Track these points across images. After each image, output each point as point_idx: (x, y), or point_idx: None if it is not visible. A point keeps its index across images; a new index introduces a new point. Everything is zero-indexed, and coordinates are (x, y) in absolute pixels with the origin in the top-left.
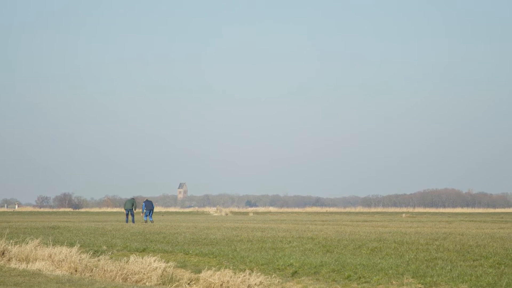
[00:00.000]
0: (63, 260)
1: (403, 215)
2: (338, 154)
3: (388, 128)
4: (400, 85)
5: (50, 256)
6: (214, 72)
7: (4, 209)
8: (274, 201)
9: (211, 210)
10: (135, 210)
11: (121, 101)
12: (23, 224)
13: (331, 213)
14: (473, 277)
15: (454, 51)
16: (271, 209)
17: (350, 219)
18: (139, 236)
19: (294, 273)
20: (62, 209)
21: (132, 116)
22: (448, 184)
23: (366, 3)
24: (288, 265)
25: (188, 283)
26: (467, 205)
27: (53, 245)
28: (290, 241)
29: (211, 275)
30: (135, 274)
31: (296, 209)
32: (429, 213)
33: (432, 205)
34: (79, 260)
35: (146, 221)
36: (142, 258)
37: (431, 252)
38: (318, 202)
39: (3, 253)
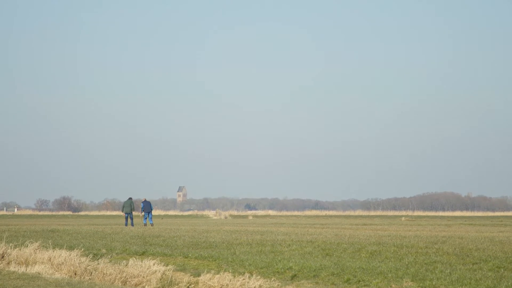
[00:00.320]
0: (63, 263)
1: (403, 218)
2: (337, 158)
3: (387, 131)
4: (399, 89)
5: (50, 259)
6: (214, 75)
7: (4, 212)
8: (274, 204)
9: (211, 213)
10: (133, 211)
11: (120, 104)
12: (22, 227)
13: (331, 216)
14: (473, 280)
15: (451, 56)
16: (271, 212)
17: (350, 223)
18: (139, 239)
19: (294, 277)
20: (61, 212)
21: (131, 119)
22: (448, 188)
23: (368, 5)
24: (288, 269)
25: (188, 287)
26: (467, 209)
27: (52, 248)
28: (289, 245)
29: (210, 279)
30: (134, 277)
31: (296, 213)
32: (428, 216)
33: (432, 208)
34: (78, 264)
35: (145, 224)
36: (142, 261)
37: (430, 255)
38: (317, 205)
39: (2, 256)
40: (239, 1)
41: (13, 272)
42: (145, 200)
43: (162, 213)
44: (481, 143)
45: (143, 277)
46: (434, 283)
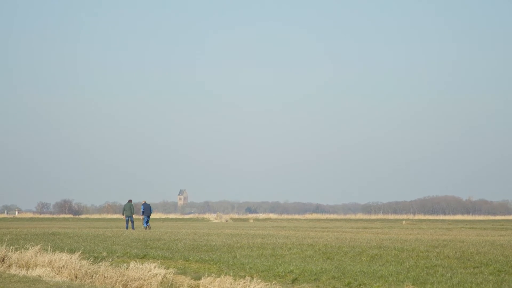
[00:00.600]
0: (63, 266)
1: (403, 222)
2: (338, 161)
3: (388, 135)
4: (400, 93)
5: (50, 263)
6: (215, 78)
7: (4, 215)
8: (274, 207)
9: (211, 216)
10: (134, 214)
11: (122, 107)
12: (23, 231)
13: (331, 220)
14: (474, 284)
15: (453, 60)
16: (271, 215)
17: (350, 226)
18: (139, 242)
19: (294, 280)
20: (62, 216)
21: (132, 122)
22: (449, 191)
23: (370, 6)
24: (288, 272)
25: None
26: (467, 212)
27: (53, 251)
28: (290, 248)
29: (211, 282)
30: (135, 280)
31: (296, 216)
32: (429, 220)
33: (433, 212)
34: (79, 267)
35: (146, 228)
36: (142, 265)
37: (431, 259)
38: (318, 209)
39: (3, 259)
40: (239, 1)
41: (14, 275)
42: (145, 203)
43: (163, 216)
44: (482, 147)
45: (144, 280)
46: (435, 286)
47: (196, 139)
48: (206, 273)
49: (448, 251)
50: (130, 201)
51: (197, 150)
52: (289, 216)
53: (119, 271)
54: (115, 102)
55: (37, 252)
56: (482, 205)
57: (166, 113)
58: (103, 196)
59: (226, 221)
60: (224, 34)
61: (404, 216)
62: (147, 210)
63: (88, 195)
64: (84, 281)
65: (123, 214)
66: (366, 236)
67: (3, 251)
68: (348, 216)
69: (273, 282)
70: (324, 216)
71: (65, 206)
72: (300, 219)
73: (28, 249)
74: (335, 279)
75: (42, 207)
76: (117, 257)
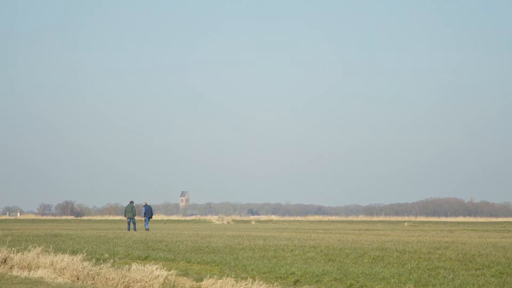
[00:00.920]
0: (65, 268)
1: (405, 224)
2: (340, 163)
3: (390, 137)
4: (402, 95)
5: (52, 264)
6: (217, 80)
7: (6, 216)
8: (276, 209)
9: (213, 218)
10: (135, 216)
11: (124, 109)
12: (25, 232)
13: (333, 221)
14: (475, 286)
15: (456, 63)
16: (273, 217)
17: (352, 228)
18: (141, 244)
19: (296, 282)
20: (64, 217)
21: (135, 124)
22: (450, 193)
23: (372, 8)
24: (290, 274)
25: None
26: (469, 214)
27: (55, 253)
28: (292, 250)
29: (213, 284)
30: (137, 282)
31: (298, 218)
32: (431, 222)
33: (434, 214)
34: (81, 268)
35: (148, 229)
36: (144, 266)
37: (433, 261)
38: (320, 210)
39: (5, 261)
40: (238, 1)
41: (16, 276)
42: (146, 204)
43: (165, 217)
44: (484, 149)
45: (146, 282)
46: None
47: (198, 141)
48: (208, 275)
49: (450, 253)
50: (131, 202)
51: (199, 151)
52: (291, 218)
53: (121, 273)
54: (116, 104)
55: (39, 254)
56: (484, 207)
57: (168, 114)
58: (105, 197)
59: (228, 222)
60: (227, 34)
61: (406, 218)
62: (148, 211)
63: (90, 196)
64: (86, 282)
65: (125, 216)
66: (368, 238)
67: (5, 253)
68: (350, 218)
69: (275, 284)
70: (326, 218)
71: (67, 208)
72: (302, 220)
73: (30, 251)
74: (337, 280)
75: (44, 209)
76: (119, 258)
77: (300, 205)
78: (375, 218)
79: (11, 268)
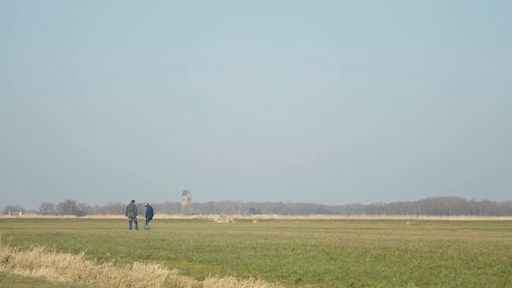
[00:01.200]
0: (67, 267)
1: (407, 223)
2: (342, 162)
3: (392, 136)
4: (403, 95)
5: (54, 263)
6: (217, 80)
7: (8, 215)
8: (278, 208)
9: (215, 217)
10: (137, 215)
11: (125, 109)
12: (27, 231)
13: (335, 220)
14: (477, 285)
15: (457, 62)
16: (275, 216)
17: (354, 227)
18: (143, 243)
19: (298, 281)
20: (66, 216)
21: (135, 124)
22: (452, 192)
23: (372, 8)
24: (292, 273)
25: None
26: (471, 213)
27: (57, 252)
28: (293, 249)
29: (214, 282)
30: (138, 281)
31: (300, 217)
32: (433, 221)
33: (436, 213)
34: (83, 267)
35: (149, 228)
36: (146, 265)
37: (435, 260)
38: (321, 209)
39: (7, 260)
40: (238, 1)
41: (18, 275)
42: (148, 205)
43: (167, 217)
44: (485, 148)
45: (148, 280)
46: (438, 287)
47: (200, 140)
48: (210, 274)
49: (451, 251)
50: (133, 201)
51: (200, 150)
52: (293, 217)
53: (123, 272)
54: (117, 104)
55: (41, 253)
56: (486, 206)
57: (169, 114)
58: (106, 196)
59: (230, 221)
60: (227, 34)
61: (408, 217)
62: (149, 212)
63: (92, 195)
64: (88, 281)
65: (126, 215)
66: (370, 237)
67: (7, 252)
68: (351, 217)
69: (277, 283)
70: (328, 216)
71: (68, 207)
72: (304, 219)
73: (32, 250)
74: (339, 279)
75: (46, 208)
76: (121, 257)
77: (302, 204)
78: (376, 217)
79: (13, 267)
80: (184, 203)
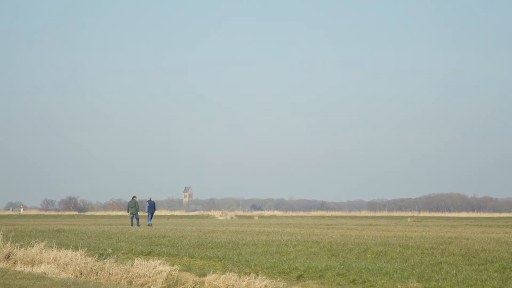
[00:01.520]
0: (68, 263)
1: (409, 219)
2: (343, 158)
3: (393, 132)
4: (405, 92)
5: (55, 259)
6: (219, 76)
7: (10, 212)
8: (279, 205)
9: (216, 213)
10: (138, 211)
11: (127, 107)
12: (28, 227)
13: (336, 217)
14: (479, 281)
15: (458, 59)
16: (276, 213)
17: (355, 223)
18: (144, 239)
19: (299, 277)
20: (67, 213)
21: (136, 122)
22: (454, 189)
23: (372, 8)
24: (293, 269)
25: (193, 287)
26: (473, 210)
27: (58, 248)
28: (295, 245)
29: (216, 279)
30: (140, 277)
31: (301, 213)
32: (434, 217)
33: (438, 209)
34: (84, 263)
35: (151, 225)
36: (147, 262)
37: (436, 256)
38: (323, 206)
39: (8, 256)
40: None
41: (19, 272)
42: (150, 200)
43: (168, 213)
44: (487, 144)
45: (149, 277)
46: (440, 284)
47: (201, 137)
48: (211, 270)
49: (453, 248)
50: (134, 197)
51: (202, 147)
52: (294, 213)
53: (124, 268)
54: (118, 103)
55: (42, 249)
56: (487, 202)
57: (169, 114)
58: (108, 193)
59: (231, 218)
60: (227, 34)
61: (409, 213)
62: (151, 208)
63: (93, 192)
64: (89, 277)
65: (128, 211)
66: (371, 233)
67: (8, 248)
68: (353, 213)
69: (278, 279)
70: (329, 213)
71: (70, 203)
72: (305, 216)
73: (33, 246)
74: (340, 276)
75: (47, 204)
76: (122, 254)
77: (303, 201)
78: (378, 214)
79: (14, 263)
80: (185, 199)
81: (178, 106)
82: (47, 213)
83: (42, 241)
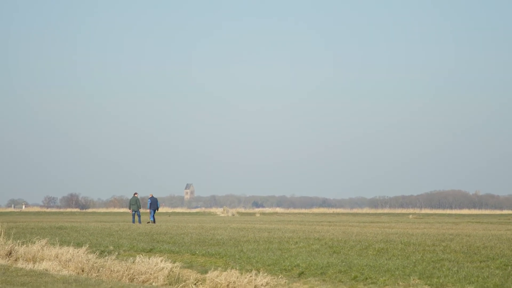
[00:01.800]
0: (70, 260)
1: (410, 216)
2: (345, 155)
3: (395, 129)
4: (407, 87)
5: (57, 256)
6: (221, 73)
7: (11, 209)
8: (281, 202)
9: (218, 210)
10: (140, 208)
11: (128, 104)
12: (30, 224)
13: (338, 214)
14: (480, 278)
15: (460, 55)
16: (278, 210)
17: (357, 220)
18: (146, 236)
19: (301, 274)
20: (69, 209)
21: (138, 119)
22: (455, 186)
23: (366, 3)
24: (295, 266)
25: (195, 284)
26: (474, 207)
27: (60, 245)
28: (296, 242)
29: (217, 276)
30: (141, 274)
31: (303, 210)
32: (436, 214)
33: (439, 206)
34: (85, 260)
35: (153, 221)
36: (149, 259)
37: (437, 253)
38: (325, 203)
39: (10, 253)
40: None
41: (21, 268)
42: (152, 197)
43: (170, 210)
44: (489, 141)
45: (151, 274)
46: (441, 280)
47: (202, 134)
48: (213, 267)
49: (454, 245)
50: (135, 194)
51: (203, 144)
52: (296, 210)
53: (126, 265)
54: (120, 100)
55: (44, 246)
56: (489, 199)
57: (172, 108)
58: (109, 190)
59: (233, 215)
60: (227, 34)
61: (411, 210)
62: (154, 204)
63: (95, 189)
64: (91, 274)
65: (130, 208)
66: (373, 230)
67: (10, 245)
68: (354, 210)
69: (280, 276)
70: (331, 210)
71: (72, 200)
72: (307, 213)
73: (35, 243)
74: (342, 273)
75: (49, 201)
76: (124, 251)
77: (305, 198)
78: (379, 211)
79: (16, 260)
80: (187, 196)
81: (180, 103)
82: (48, 210)
83: (43, 238)
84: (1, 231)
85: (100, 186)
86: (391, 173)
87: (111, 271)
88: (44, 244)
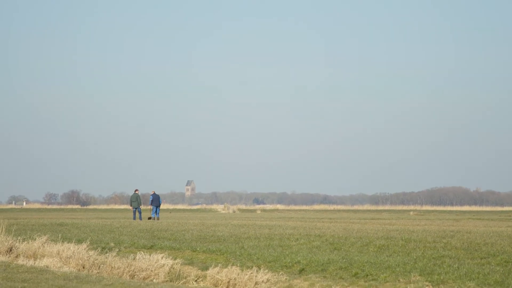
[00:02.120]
0: (71, 256)
1: (411, 213)
2: (345, 152)
3: (395, 126)
4: (407, 83)
5: (58, 253)
6: (221, 71)
7: (12, 205)
8: (282, 198)
9: (219, 207)
10: (141, 205)
11: (129, 103)
12: (30, 221)
13: (339, 211)
14: (481, 275)
15: (461, 52)
16: (279, 206)
17: (358, 217)
18: (147, 233)
19: (302, 270)
20: (70, 206)
21: (139, 116)
22: (456, 182)
23: (371, 6)
24: (296, 262)
25: (196, 280)
26: (475, 203)
27: (60, 242)
28: (297, 239)
29: (218, 272)
30: (142, 271)
31: (304, 207)
32: (436, 211)
33: (440, 203)
34: (86, 257)
35: (154, 218)
36: (150, 255)
37: (438, 250)
38: (325, 200)
39: (10, 250)
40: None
41: (22, 265)
42: (154, 193)
43: (171, 207)
44: (489, 138)
45: (151, 270)
46: (442, 277)
47: (204, 130)
48: (213, 264)
49: (455, 242)
50: (136, 191)
51: (204, 141)
52: (297, 207)
53: (127, 262)
54: (123, 98)
55: (45, 243)
56: (490, 196)
57: (173, 106)
58: (110, 186)
59: (234, 212)
60: (228, 33)
61: (412, 207)
62: (155, 200)
63: (96, 185)
64: (92, 271)
65: (131, 205)
66: (374, 227)
67: (11, 242)
68: (355, 207)
69: (280, 273)
70: (332, 207)
71: (72, 197)
72: (308, 210)
73: (35, 240)
74: (342, 269)
75: (50, 198)
76: (125, 247)
77: (306, 194)
78: (380, 207)
79: (16, 257)
80: (188, 193)
81: (180, 100)
82: (49, 206)
83: (44, 234)
84: (2, 227)
85: (101, 183)
86: (392, 170)
87: (112, 267)
88: (44, 240)
